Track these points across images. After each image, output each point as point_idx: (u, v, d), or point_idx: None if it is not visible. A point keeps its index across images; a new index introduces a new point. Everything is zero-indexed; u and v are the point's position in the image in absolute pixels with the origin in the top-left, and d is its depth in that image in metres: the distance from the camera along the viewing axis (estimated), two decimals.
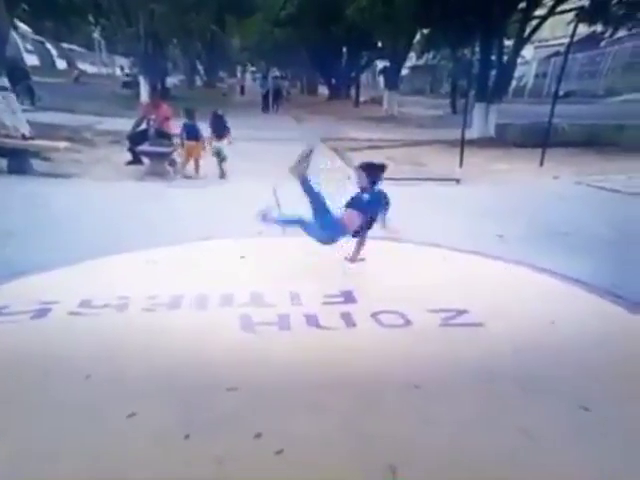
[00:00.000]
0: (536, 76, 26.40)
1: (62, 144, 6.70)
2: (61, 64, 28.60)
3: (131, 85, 23.60)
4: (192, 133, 6.60)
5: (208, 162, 6.80)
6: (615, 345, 2.35)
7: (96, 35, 27.73)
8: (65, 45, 30.09)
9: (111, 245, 3.49)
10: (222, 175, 6.83)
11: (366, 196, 3.00)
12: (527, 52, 22.16)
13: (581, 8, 10.41)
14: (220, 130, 6.84)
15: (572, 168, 7.37)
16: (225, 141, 6.81)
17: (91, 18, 21.33)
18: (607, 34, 15.29)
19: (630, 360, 2.21)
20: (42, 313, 2.51)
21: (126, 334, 2.36)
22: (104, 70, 28.47)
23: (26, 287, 2.84)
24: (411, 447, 1.65)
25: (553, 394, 1.95)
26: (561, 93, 11.50)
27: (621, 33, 14.71)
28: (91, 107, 14.66)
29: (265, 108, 19.57)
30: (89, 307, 2.61)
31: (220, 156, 6.75)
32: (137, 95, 17.61)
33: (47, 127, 8.62)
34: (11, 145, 5.91)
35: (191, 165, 6.76)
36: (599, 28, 13.29)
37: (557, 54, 20.25)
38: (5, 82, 6.76)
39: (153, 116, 6.94)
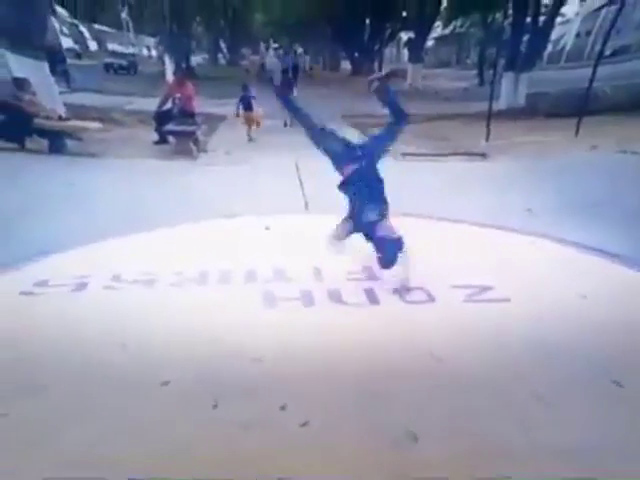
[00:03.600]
0: (577, 35, 23.79)
1: (94, 124, 6.88)
2: (93, 45, 28.89)
3: (114, 67, 20.74)
4: (249, 104, 7.86)
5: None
6: None
7: (124, 15, 27.85)
8: (96, 26, 30.28)
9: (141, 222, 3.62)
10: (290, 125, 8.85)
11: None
12: (568, 9, 19.88)
13: None
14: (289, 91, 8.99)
15: (613, 136, 6.86)
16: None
17: None
18: None
19: None
20: (81, 287, 2.65)
21: (154, 308, 2.46)
22: (132, 50, 28.72)
23: (63, 262, 3.00)
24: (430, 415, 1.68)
25: (583, 369, 1.92)
26: (608, 52, 10.24)
27: None
28: (120, 87, 14.84)
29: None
30: (120, 281, 2.72)
31: None
32: (162, 74, 17.71)
33: (79, 108, 8.81)
34: (50, 126, 6.14)
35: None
36: None
37: (610, 3, 17.15)
38: (46, 67, 7.03)
39: (178, 95, 7.00)
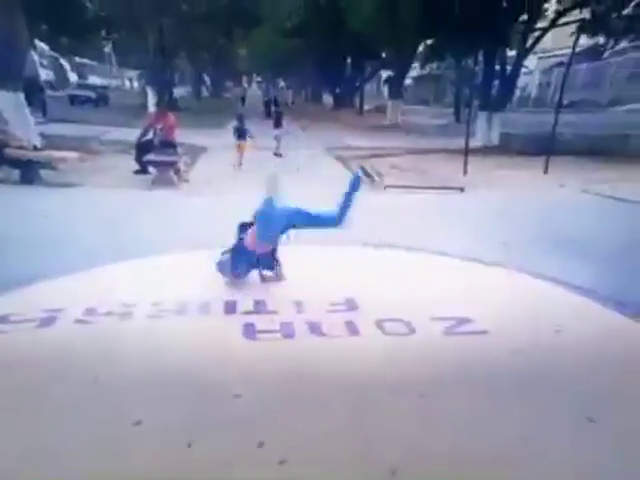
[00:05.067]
0: (540, 85, 26.41)
1: (71, 154, 6.82)
2: (73, 77, 29.27)
3: (81, 100, 19.24)
4: (242, 134, 8.36)
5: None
6: (618, 354, 2.33)
7: (107, 49, 28.43)
8: (77, 59, 30.72)
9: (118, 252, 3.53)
10: (279, 155, 9.69)
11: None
12: (530, 62, 22.15)
13: (582, 20, 10.57)
14: (278, 122, 10.10)
15: (578, 176, 7.34)
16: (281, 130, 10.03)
17: (103, 33, 21.66)
18: (609, 45, 15.46)
19: (633, 369, 2.19)
20: (48, 322, 2.52)
21: (131, 341, 2.37)
22: (113, 82, 29.19)
23: (31, 295, 2.86)
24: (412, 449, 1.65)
25: (558, 404, 1.93)
26: (565, 102, 11.46)
27: (623, 44, 14.90)
28: (98, 117, 14.83)
29: (268, 114, 19.83)
30: (94, 315, 2.62)
31: (278, 139, 9.91)
32: (144, 105, 17.82)
33: (57, 138, 8.78)
34: (22, 156, 6.03)
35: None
36: (601, 40, 13.52)
37: (560, 64, 20.05)
38: (22, 98, 7.00)
39: (160, 125, 7.05)
